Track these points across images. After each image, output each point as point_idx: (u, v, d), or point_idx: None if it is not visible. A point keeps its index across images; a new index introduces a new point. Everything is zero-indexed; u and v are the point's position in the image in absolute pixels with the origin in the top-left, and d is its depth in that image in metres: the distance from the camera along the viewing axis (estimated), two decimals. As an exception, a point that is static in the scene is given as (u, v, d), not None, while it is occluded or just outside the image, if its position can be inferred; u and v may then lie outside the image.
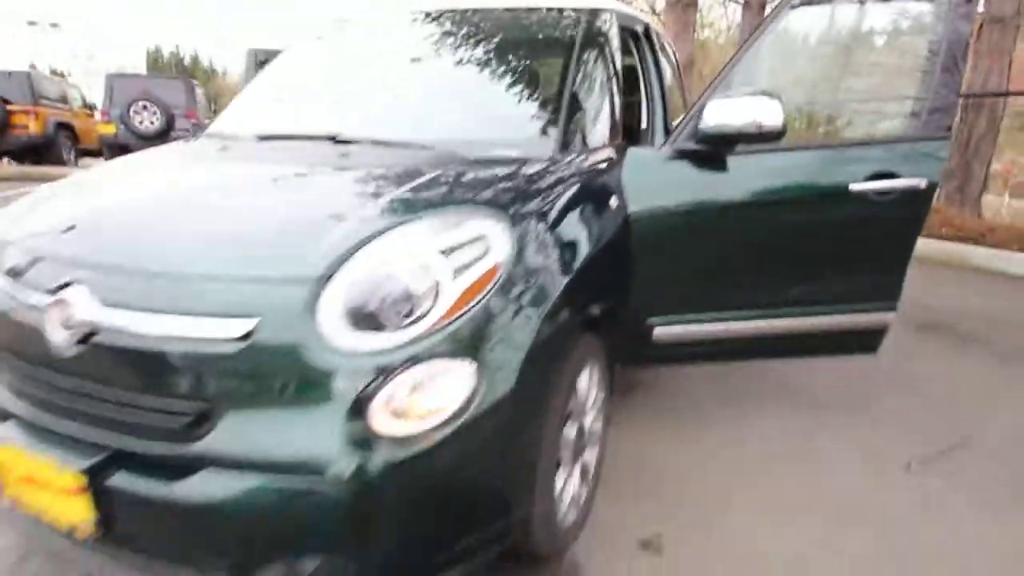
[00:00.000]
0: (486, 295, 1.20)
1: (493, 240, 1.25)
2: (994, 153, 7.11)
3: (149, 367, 1.16)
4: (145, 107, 11.85)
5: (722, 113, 1.85)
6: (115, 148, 12.17)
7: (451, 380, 1.15)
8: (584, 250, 1.54)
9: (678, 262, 2.04)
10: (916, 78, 2.08)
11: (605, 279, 1.72)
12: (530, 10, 2.32)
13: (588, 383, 1.65)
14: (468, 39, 2.25)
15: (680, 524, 1.82)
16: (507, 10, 2.33)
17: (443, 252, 1.20)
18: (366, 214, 1.28)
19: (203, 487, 1.10)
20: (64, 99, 12.94)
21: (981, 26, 5.86)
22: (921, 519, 1.90)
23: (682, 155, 1.98)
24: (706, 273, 2.09)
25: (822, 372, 2.91)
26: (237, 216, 1.38)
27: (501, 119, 1.92)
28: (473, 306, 1.18)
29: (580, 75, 1.95)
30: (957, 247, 5.70)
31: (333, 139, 1.78)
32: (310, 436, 1.09)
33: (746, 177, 2.04)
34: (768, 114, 1.78)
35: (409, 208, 1.32)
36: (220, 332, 1.11)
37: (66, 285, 1.22)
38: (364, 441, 1.09)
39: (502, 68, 2.10)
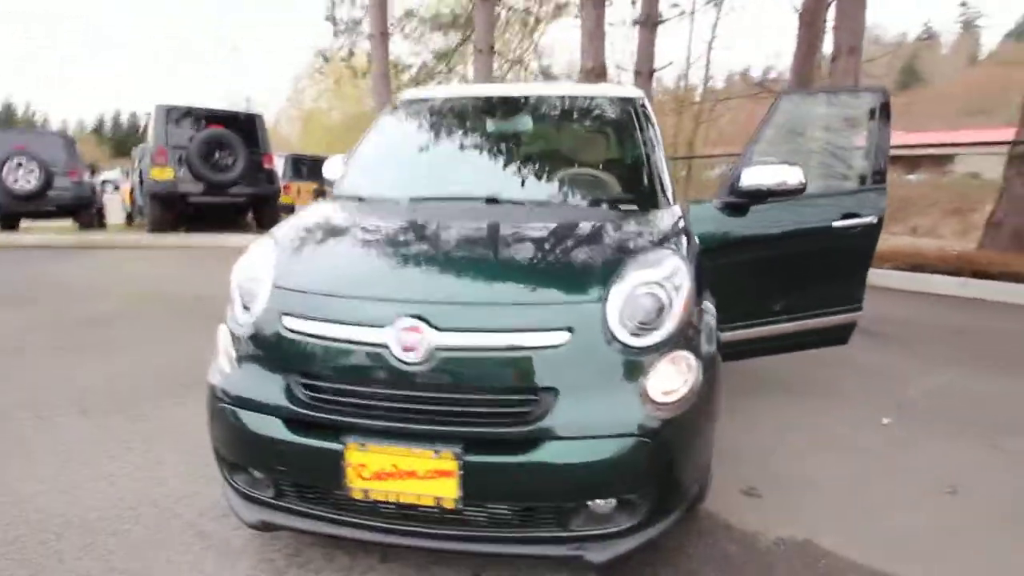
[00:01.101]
0: (691, 308, 1.78)
1: (683, 271, 1.83)
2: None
3: (492, 373, 1.59)
4: (21, 164, 10.90)
5: (755, 176, 2.58)
6: (-19, 208, 11.11)
7: (686, 365, 1.71)
8: (705, 275, 2.16)
9: (722, 283, 2.72)
10: (862, 149, 2.99)
11: None
12: (589, 95, 2.98)
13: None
14: (551, 118, 2.86)
15: (760, 476, 2.46)
16: (573, 96, 2.98)
17: (665, 278, 1.76)
18: (604, 254, 1.82)
19: (548, 455, 1.54)
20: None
21: (829, 95, 7.55)
22: (904, 448, 2.76)
23: (725, 206, 2.70)
24: (741, 290, 2.80)
25: (786, 365, 3.74)
26: (508, 259, 1.86)
27: (611, 182, 2.53)
28: (687, 316, 1.75)
29: (650, 146, 2.62)
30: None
31: (492, 200, 2.28)
32: (618, 408, 1.59)
33: (761, 220, 2.80)
34: (792, 175, 2.53)
35: (622, 250, 1.87)
36: (548, 341, 1.58)
37: (399, 319, 1.61)
38: (651, 410, 1.61)
39: (592, 140, 2.72)
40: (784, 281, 2.91)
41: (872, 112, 2.96)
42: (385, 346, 1.61)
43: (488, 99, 2.99)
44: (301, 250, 1.98)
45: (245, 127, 10.52)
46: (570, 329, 1.60)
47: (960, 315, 5.62)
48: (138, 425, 2.92)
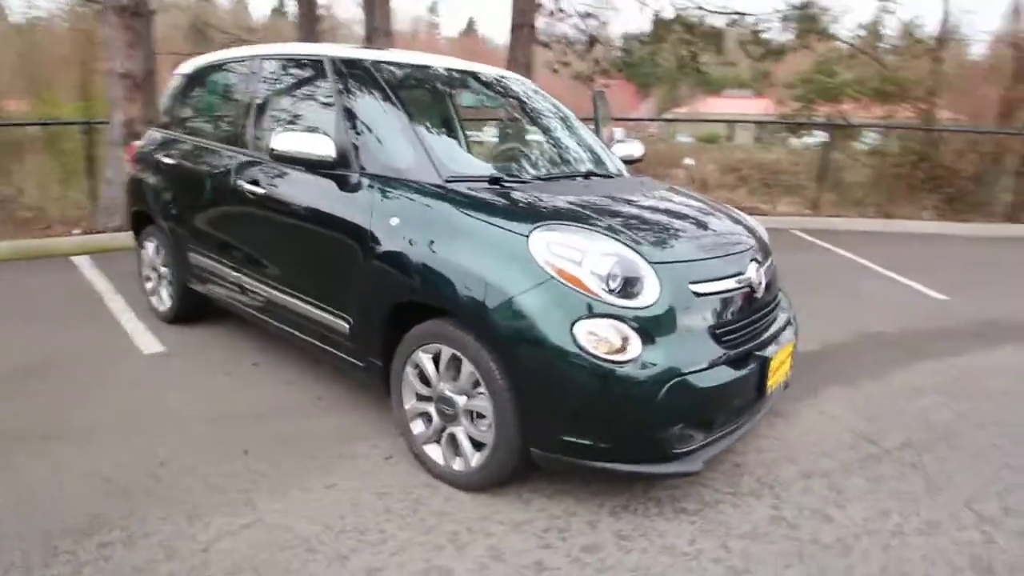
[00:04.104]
0: None
1: None
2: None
3: (776, 286, 2.52)
4: None
5: (624, 150, 3.81)
6: None
7: None
8: None
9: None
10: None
11: None
12: (499, 74, 3.54)
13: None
14: (507, 95, 3.33)
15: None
16: (501, 75, 3.48)
17: None
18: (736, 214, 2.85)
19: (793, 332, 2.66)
20: None
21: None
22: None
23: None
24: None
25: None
26: (718, 223, 2.61)
27: (607, 154, 3.32)
28: None
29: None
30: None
31: (592, 174, 2.85)
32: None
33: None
34: (636, 149, 3.88)
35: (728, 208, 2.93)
36: (774, 260, 2.62)
37: (751, 264, 2.36)
38: None
39: (549, 116, 3.33)
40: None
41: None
42: (750, 285, 2.30)
43: (454, 72, 3.24)
44: (620, 229, 2.20)
45: None
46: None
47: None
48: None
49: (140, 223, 4.17)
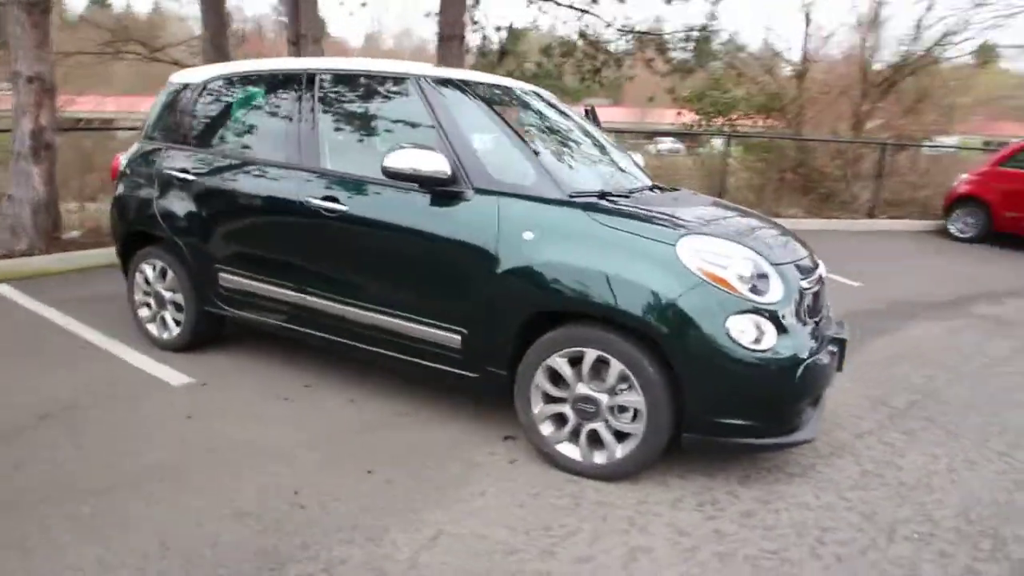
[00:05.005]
0: None
1: None
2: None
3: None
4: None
5: (638, 159, 4.18)
6: None
7: None
8: None
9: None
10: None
11: None
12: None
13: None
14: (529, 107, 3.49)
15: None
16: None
17: None
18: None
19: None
20: None
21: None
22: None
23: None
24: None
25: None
26: (777, 229, 2.99)
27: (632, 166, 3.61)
28: None
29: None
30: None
31: (655, 188, 3.13)
32: None
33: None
34: (639, 162, 4.26)
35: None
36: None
37: (819, 265, 2.76)
38: None
39: (587, 131, 3.56)
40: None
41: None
42: (822, 279, 2.74)
43: (498, 86, 3.35)
44: (735, 240, 2.52)
45: None
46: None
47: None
48: None
49: (132, 244, 3.82)
